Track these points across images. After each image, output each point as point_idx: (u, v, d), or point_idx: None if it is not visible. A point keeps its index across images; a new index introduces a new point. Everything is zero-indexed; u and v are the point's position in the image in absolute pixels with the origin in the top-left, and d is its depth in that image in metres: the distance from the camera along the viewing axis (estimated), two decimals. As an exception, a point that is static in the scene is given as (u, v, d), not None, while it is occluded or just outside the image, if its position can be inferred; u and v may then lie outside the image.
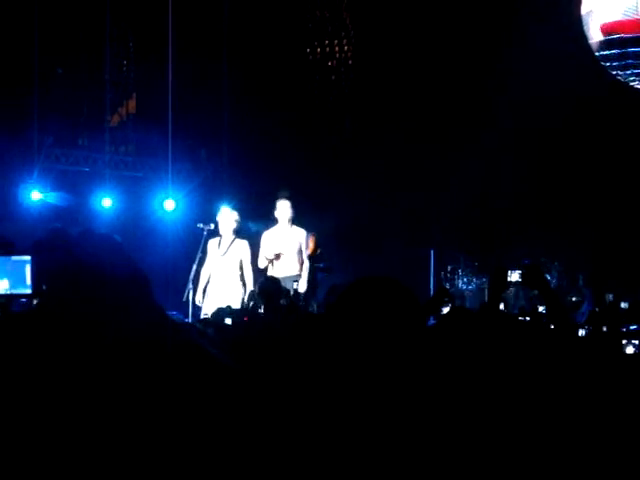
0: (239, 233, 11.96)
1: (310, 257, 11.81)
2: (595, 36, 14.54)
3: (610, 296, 12.56)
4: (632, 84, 14.81)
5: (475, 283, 15.55)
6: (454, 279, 15.36)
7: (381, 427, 2.24)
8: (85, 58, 16.01)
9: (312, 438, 2.15)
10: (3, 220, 14.13)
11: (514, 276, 5.17)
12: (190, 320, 10.95)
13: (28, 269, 2.19)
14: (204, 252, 11.98)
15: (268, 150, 16.60)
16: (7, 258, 2.22)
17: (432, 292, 13.45)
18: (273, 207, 11.96)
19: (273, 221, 12.04)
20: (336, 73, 17.53)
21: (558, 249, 14.72)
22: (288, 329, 5.59)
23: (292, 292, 10.55)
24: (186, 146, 16.15)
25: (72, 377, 1.82)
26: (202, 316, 11.02)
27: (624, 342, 7.56)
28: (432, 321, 8.47)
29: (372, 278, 2.65)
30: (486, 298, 14.94)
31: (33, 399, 1.93)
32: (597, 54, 14.58)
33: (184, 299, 11.92)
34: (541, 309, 9.53)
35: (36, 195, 14.53)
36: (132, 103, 17.05)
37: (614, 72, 14.66)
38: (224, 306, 9.12)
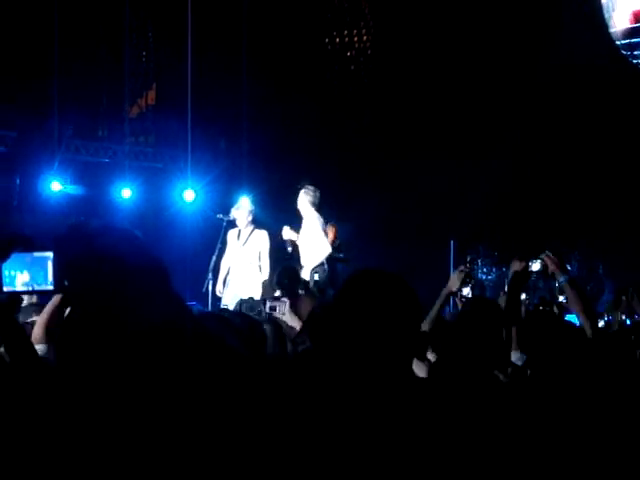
0: (257, 223, 11.94)
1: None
2: (620, 24, 14.39)
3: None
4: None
5: (495, 273, 15.52)
6: (474, 269, 15.33)
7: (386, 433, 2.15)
8: (104, 49, 16.04)
9: (324, 435, 2.14)
10: (23, 211, 14.19)
11: (535, 266, 5.13)
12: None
13: (50, 265, 2.19)
14: (224, 243, 11.98)
15: (287, 140, 16.59)
16: (29, 254, 2.22)
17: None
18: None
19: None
20: (355, 63, 17.49)
21: (577, 238, 14.67)
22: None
23: (312, 283, 10.53)
24: (206, 137, 16.17)
25: (96, 369, 1.83)
26: (222, 306, 11.02)
27: None
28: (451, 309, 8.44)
29: (371, 272, 2.38)
30: (506, 288, 14.91)
31: (59, 390, 1.96)
32: (620, 42, 14.45)
33: (204, 290, 11.93)
34: (561, 299, 9.48)
35: (56, 186, 14.58)
36: (152, 94, 17.08)
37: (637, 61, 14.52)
38: (245, 297, 9.12)
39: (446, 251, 14.41)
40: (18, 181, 14.85)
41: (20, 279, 2.41)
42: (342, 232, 12.36)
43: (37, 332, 3.43)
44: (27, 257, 2.43)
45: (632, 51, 14.59)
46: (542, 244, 13.30)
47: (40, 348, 3.30)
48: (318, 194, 11.71)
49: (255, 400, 2.00)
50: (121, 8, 15.30)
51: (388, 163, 16.13)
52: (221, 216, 12.27)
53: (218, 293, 11.93)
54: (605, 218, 14.91)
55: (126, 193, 15.18)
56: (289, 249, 11.87)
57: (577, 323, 4.95)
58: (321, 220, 11.74)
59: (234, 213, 11.95)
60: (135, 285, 1.74)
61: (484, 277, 15.50)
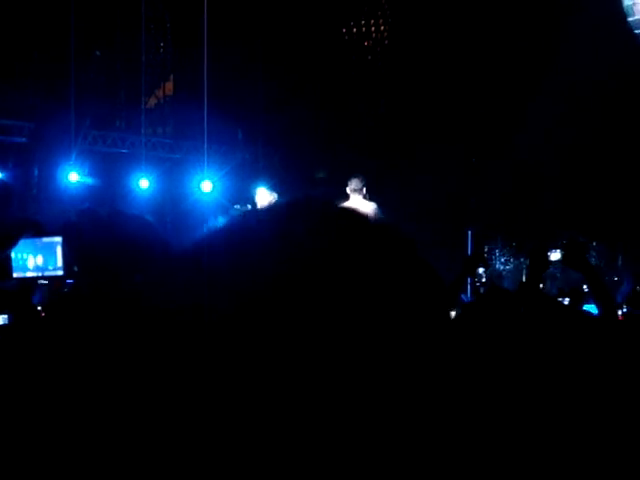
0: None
1: None
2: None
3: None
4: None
5: (513, 263, 15.47)
6: (492, 259, 15.28)
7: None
8: (122, 40, 16.07)
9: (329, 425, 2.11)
10: (42, 201, 14.24)
11: (554, 256, 5.08)
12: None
13: (59, 250, 2.19)
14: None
15: (303, 131, 16.57)
16: (38, 239, 2.22)
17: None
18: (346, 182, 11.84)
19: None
20: (372, 53, 17.45)
21: (597, 229, 14.60)
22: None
23: None
24: (223, 128, 16.17)
25: (108, 356, 1.83)
26: None
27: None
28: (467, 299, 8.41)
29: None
30: (524, 279, 14.87)
31: (69, 376, 1.96)
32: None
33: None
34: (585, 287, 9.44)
35: (74, 177, 14.62)
36: (169, 85, 17.10)
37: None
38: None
39: (464, 241, 14.38)
40: (36, 172, 14.91)
41: (31, 263, 2.42)
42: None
43: None
44: (37, 242, 2.43)
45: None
46: (561, 234, 13.27)
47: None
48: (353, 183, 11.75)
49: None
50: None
51: (403, 153, 16.10)
52: (238, 207, 12.28)
53: None
54: (624, 208, 14.84)
55: (144, 184, 15.21)
56: None
57: (595, 313, 4.93)
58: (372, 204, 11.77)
59: (258, 196, 11.91)
60: (146, 271, 1.73)
61: (502, 267, 15.45)
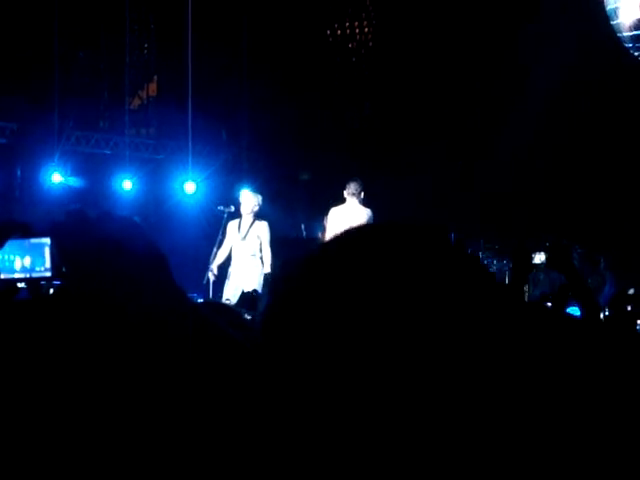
0: (258, 214, 11.93)
1: None
2: (627, 19, 14.21)
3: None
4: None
5: (496, 266, 15.50)
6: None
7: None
8: (105, 41, 16.03)
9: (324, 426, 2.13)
10: (25, 203, 14.20)
11: (537, 258, 5.05)
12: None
13: (47, 251, 2.19)
14: (224, 235, 11.98)
15: (288, 132, 16.58)
16: (25, 241, 2.22)
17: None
18: (344, 186, 11.85)
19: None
20: (356, 55, 17.47)
21: (579, 231, 14.66)
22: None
23: None
24: (207, 128, 16.16)
25: (94, 358, 1.83)
26: (224, 299, 11.03)
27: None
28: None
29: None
30: (507, 281, 14.91)
31: (52, 379, 1.95)
32: (625, 35, 14.31)
33: (204, 281, 11.95)
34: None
35: (57, 178, 14.59)
36: (153, 86, 17.07)
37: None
38: (247, 290, 9.09)
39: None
40: (19, 173, 14.87)
41: (18, 264, 2.41)
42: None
43: None
44: (25, 243, 2.43)
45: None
46: (544, 236, 13.32)
47: None
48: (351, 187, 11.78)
49: (259, 393, 1.99)
50: (122, 0, 15.29)
51: (387, 155, 16.13)
52: (222, 208, 12.28)
53: (210, 277, 11.92)
54: (606, 211, 14.91)
55: (127, 185, 15.19)
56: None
57: (578, 315, 4.94)
58: (367, 210, 11.80)
59: (242, 197, 11.91)
60: (135, 272, 1.73)
61: (485, 269, 15.47)
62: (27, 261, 2.29)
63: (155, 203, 15.45)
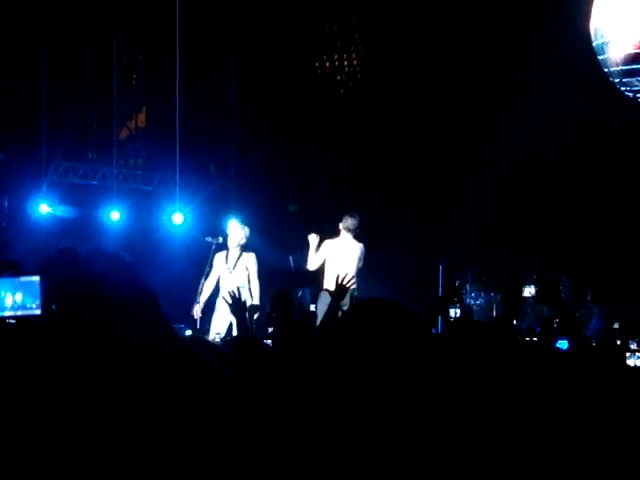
0: (246, 246, 11.92)
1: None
2: (616, 54, 14.21)
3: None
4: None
5: (483, 298, 15.50)
6: (462, 294, 15.31)
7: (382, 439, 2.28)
8: (94, 72, 16.05)
9: (311, 451, 2.16)
10: (12, 234, 14.16)
11: (525, 291, 5.07)
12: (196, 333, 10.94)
13: (37, 289, 2.19)
14: (212, 266, 11.98)
15: (276, 164, 16.61)
16: (16, 279, 2.22)
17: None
18: (339, 219, 11.85)
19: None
20: (345, 87, 17.53)
21: (566, 264, 14.68)
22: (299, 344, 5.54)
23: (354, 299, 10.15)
24: (195, 160, 16.17)
25: (80, 389, 1.82)
26: (213, 334, 11.03)
27: (627, 355, 7.65)
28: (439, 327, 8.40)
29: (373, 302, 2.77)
30: (494, 313, 14.92)
31: (42, 407, 1.94)
32: (615, 69, 14.32)
33: (192, 312, 11.92)
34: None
35: (44, 208, 14.55)
36: (141, 117, 17.09)
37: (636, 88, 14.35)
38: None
39: (435, 274, 14.42)
40: (6, 203, 14.82)
41: (9, 301, 2.41)
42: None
43: None
44: (16, 281, 2.43)
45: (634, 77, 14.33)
46: (531, 269, 13.34)
47: None
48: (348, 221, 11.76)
49: (238, 421, 1.99)
50: (110, 30, 15.32)
51: (376, 186, 16.16)
52: (210, 239, 12.28)
53: (195, 315, 11.90)
54: (594, 244, 14.94)
55: (115, 216, 15.16)
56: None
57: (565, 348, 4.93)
58: (359, 245, 11.78)
59: (230, 229, 11.91)
60: (123, 309, 1.73)
61: (472, 302, 15.48)
62: (18, 298, 2.28)
63: (143, 234, 15.42)
